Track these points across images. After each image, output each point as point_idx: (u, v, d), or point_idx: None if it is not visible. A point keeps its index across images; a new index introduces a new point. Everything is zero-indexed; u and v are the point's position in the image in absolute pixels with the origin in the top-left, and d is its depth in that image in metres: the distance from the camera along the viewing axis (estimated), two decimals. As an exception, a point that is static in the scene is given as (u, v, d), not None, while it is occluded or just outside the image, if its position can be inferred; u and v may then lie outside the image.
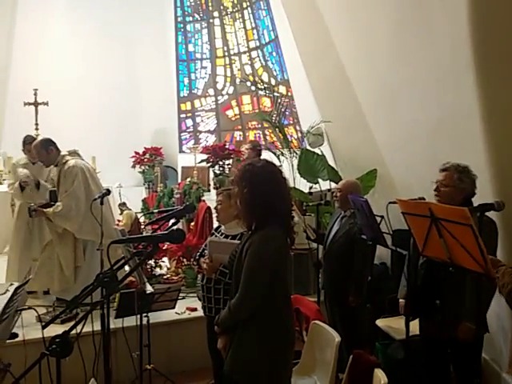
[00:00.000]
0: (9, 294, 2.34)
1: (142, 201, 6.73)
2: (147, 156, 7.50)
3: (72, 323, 3.24)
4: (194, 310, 4.16)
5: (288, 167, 5.57)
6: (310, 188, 5.48)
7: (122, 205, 5.74)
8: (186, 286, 4.71)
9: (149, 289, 3.20)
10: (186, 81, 12.39)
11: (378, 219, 3.22)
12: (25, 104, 7.54)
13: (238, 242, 2.61)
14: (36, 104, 7.43)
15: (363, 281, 3.58)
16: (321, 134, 5.81)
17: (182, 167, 10.86)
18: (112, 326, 2.64)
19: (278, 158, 5.77)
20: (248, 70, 11.43)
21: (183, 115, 12.42)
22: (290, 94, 9.62)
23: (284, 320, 2.28)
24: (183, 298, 4.34)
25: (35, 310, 2.40)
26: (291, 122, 9.40)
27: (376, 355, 3.53)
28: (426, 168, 3.83)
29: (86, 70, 10.70)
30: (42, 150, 4.27)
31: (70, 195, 4.10)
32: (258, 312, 2.19)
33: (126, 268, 3.18)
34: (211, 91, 12.22)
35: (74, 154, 4.35)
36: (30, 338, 2.72)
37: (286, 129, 7.65)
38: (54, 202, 4.19)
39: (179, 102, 12.35)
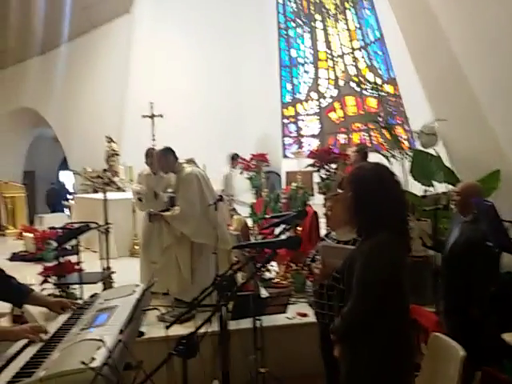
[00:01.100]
0: (135, 295, 2.52)
1: (250, 206, 6.89)
2: (253, 162, 7.66)
3: (190, 323, 3.43)
4: (305, 315, 4.15)
5: (399, 169, 5.35)
6: (425, 192, 5.19)
7: (232, 210, 5.92)
8: (294, 291, 4.72)
9: (263, 293, 3.26)
10: (289, 86, 12.52)
11: (506, 224, 2.95)
12: (142, 117, 8.10)
13: (352, 247, 2.56)
14: (152, 116, 7.95)
15: (486, 291, 3.30)
16: (434, 134, 5.49)
17: (286, 172, 10.98)
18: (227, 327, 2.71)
19: (388, 160, 5.56)
20: (352, 70, 11.23)
21: (286, 120, 12.56)
22: (397, 92, 9.27)
23: (402, 331, 2.18)
24: (293, 303, 4.35)
25: (158, 309, 2.56)
26: (399, 122, 9.04)
27: (505, 373, 3.23)
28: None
29: (195, 83, 11.33)
30: (162, 158, 4.60)
31: (186, 200, 4.33)
32: (374, 323, 2.12)
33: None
34: (314, 95, 12.20)
35: (190, 161, 4.62)
36: (153, 336, 2.93)
37: (393, 129, 7.36)
38: (173, 206, 4.47)
39: (282, 107, 12.51)
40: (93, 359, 1.67)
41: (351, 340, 2.19)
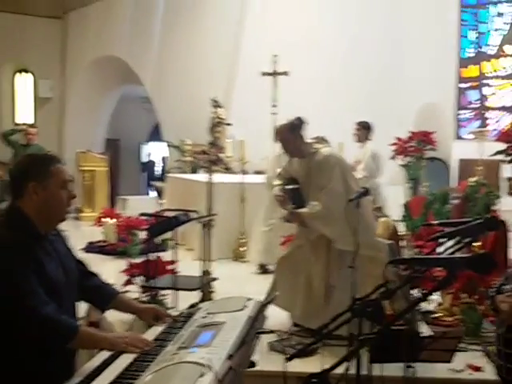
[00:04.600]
0: (247, 311, 2.63)
1: (404, 205, 6.79)
2: (413, 144, 7.50)
3: (313, 358, 3.48)
4: (478, 369, 4.01)
5: None
6: None
7: (377, 209, 5.88)
8: (465, 334, 4.58)
9: (424, 331, 3.22)
10: (473, 35, 12.04)
11: None
12: (262, 74, 8.28)
13: None
14: (275, 74, 8.09)
15: None
16: None
17: (460, 160, 10.58)
18: (364, 371, 2.72)
19: None
20: None
21: (464, 85, 12.09)
22: None
23: None
24: (462, 349, 4.22)
25: (278, 334, 2.65)
26: None
27: None
28: None
29: (333, 30, 11.30)
30: (290, 137, 4.54)
31: (329, 193, 4.32)
32: None
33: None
34: (510, 49, 11.58)
35: (321, 141, 4.63)
36: (268, 369, 3.03)
37: None
38: (298, 202, 4.53)
39: (460, 65, 12.06)
40: (196, 389, 1.79)
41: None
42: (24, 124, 13.24)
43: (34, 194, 2.38)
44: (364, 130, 7.68)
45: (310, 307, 4.46)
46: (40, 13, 15.09)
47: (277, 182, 4.91)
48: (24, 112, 16.02)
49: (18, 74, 16.05)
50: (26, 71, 15.90)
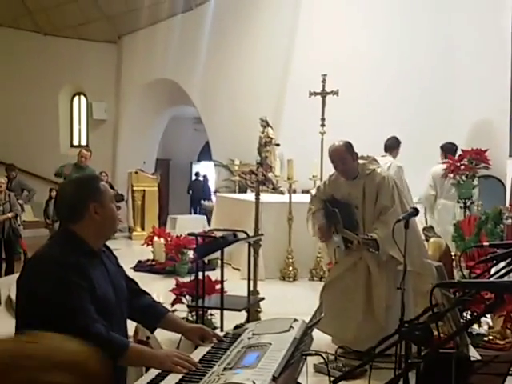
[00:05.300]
0: (293, 333, 2.62)
1: (454, 225, 6.66)
2: (465, 162, 7.33)
3: (360, 381, 3.44)
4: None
5: None
6: None
7: (428, 229, 5.79)
8: (518, 358, 4.45)
9: (473, 354, 3.14)
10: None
11: None
12: (310, 94, 8.30)
13: None
14: (324, 94, 8.10)
15: None
16: None
17: (514, 179, 10.28)
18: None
19: None
20: None
21: (521, 102, 11.78)
22: None
23: None
24: (515, 374, 4.10)
25: (323, 356, 2.63)
26: None
27: None
28: None
29: (382, 48, 11.22)
30: (347, 156, 4.54)
31: (394, 215, 4.27)
32: None
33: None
34: None
35: (373, 161, 4.63)
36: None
37: None
38: (348, 224, 4.49)
39: (514, 82, 11.77)
40: (240, 410, 1.80)
41: None
42: (80, 145, 13.55)
43: (95, 213, 2.42)
44: (442, 152, 7.94)
45: (367, 330, 4.42)
46: (96, 37, 15.52)
47: (312, 206, 4.88)
48: (79, 134, 16.47)
49: (74, 97, 16.53)
50: (82, 94, 16.34)
